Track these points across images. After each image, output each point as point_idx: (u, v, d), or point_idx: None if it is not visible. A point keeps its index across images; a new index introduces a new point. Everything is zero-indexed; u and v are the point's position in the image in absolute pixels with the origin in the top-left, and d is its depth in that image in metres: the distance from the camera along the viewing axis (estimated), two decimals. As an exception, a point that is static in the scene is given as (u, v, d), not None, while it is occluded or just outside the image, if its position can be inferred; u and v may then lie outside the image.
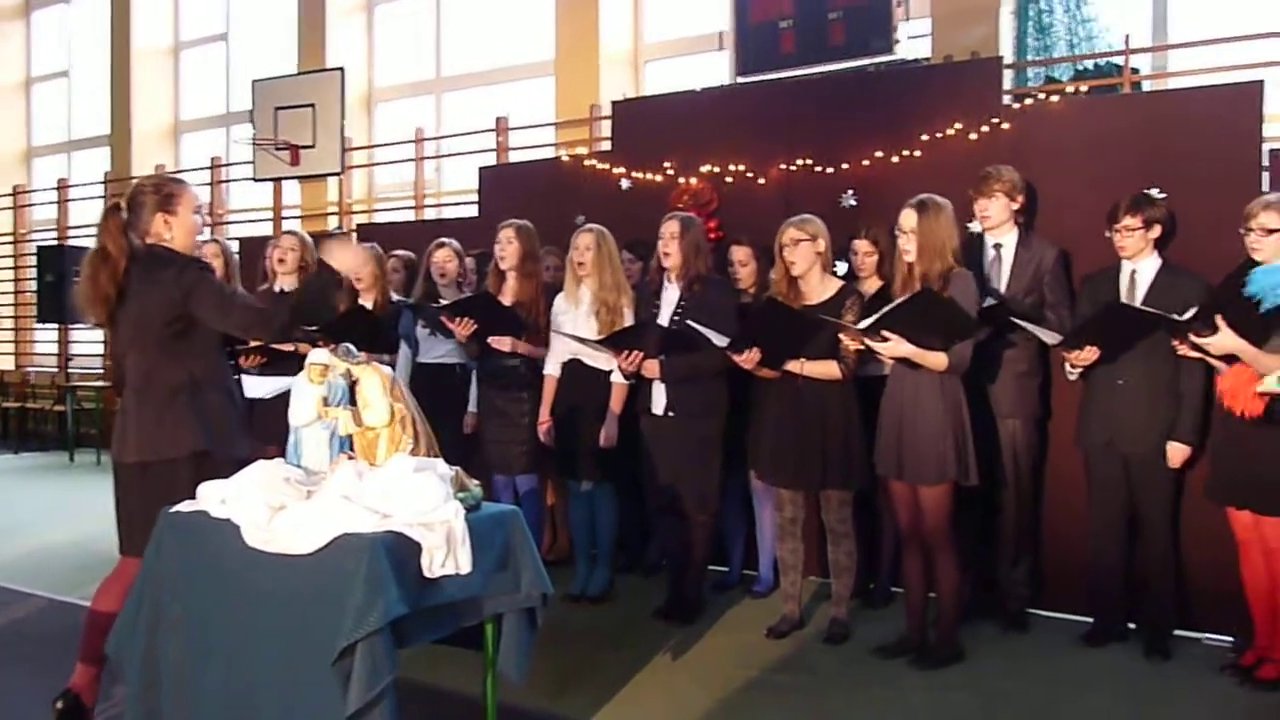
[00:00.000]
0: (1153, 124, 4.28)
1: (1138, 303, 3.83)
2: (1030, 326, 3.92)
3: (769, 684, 3.69)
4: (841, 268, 4.50)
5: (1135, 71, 5.39)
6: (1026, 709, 3.45)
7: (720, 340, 3.95)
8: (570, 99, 7.64)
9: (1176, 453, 3.84)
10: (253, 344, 4.41)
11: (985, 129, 4.57)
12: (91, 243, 3.23)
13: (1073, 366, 3.91)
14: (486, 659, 2.80)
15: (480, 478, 4.61)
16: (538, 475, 4.78)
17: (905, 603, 3.99)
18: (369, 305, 4.98)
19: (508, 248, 4.59)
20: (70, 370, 10.48)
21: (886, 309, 3.59)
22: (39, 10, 12.09)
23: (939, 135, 4.67)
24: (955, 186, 4.16)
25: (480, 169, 6.32)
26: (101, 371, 9.93)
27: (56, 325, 10.42)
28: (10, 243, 11.32)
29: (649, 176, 5.43)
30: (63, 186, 10.96)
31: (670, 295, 4.31)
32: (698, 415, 4.22)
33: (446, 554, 2.51)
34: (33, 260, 10.35)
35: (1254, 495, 3.55)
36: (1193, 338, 3.49)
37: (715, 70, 7.01)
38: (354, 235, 6.96)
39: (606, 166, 5.60)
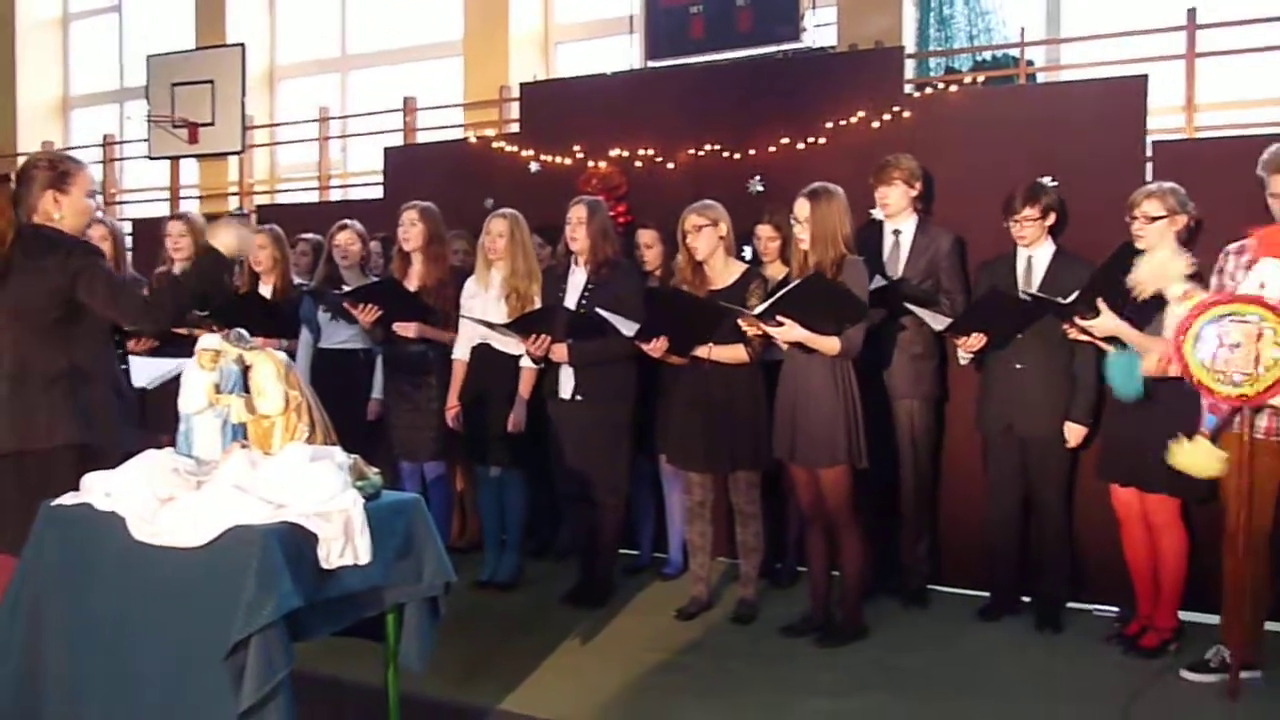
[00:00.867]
0: (1046, 115, 4.41)
1: (1035, 289, 3.94)
2: (919, 311, 4.01)
3: (677, 665, 3.73)
4: (747, 253, 4.55)
5: (1030, 64, 5.53)
6: (927, 681, 3.55)
7: (628, 329, 3.95)
8: (479, 80, 7.53)
9: (1074, 433, 3.98)
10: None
11: (887, 117, 4.65)
12: None
13: (964, 351, 4.02)
14: (388, 650, 2.76)
15: (386, 465, 4.59)
16: (445, 462, 4.72)
17: (809, 582, 4.06)
18: (269, 289, 4.86)
19: (411, 230, 4.52)
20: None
21: (778, 294, 3.65)
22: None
23: (843, 122, 4.73)
24: (858, 173, 4.25)
25: (386, 149, 6.20)
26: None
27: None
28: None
29: (558, 160, 5.40)
30: (-59, 162, 10.43)
31: (577, 279, 4.30)
32: (606, 399, 4.23)
33: (344, 544, 2.46)
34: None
35: (1140, 473, 3.70)
36: (1077, 320, 3.61)
37: (625, 54, 6.98)
38: (254, 217, 6.77)
39: (515, 149, 5.55)
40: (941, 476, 4.45)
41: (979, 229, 4.27)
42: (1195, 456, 3.24)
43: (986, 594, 4.28)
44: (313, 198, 7.84)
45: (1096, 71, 5.16)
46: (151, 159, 8.07)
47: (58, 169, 3.09)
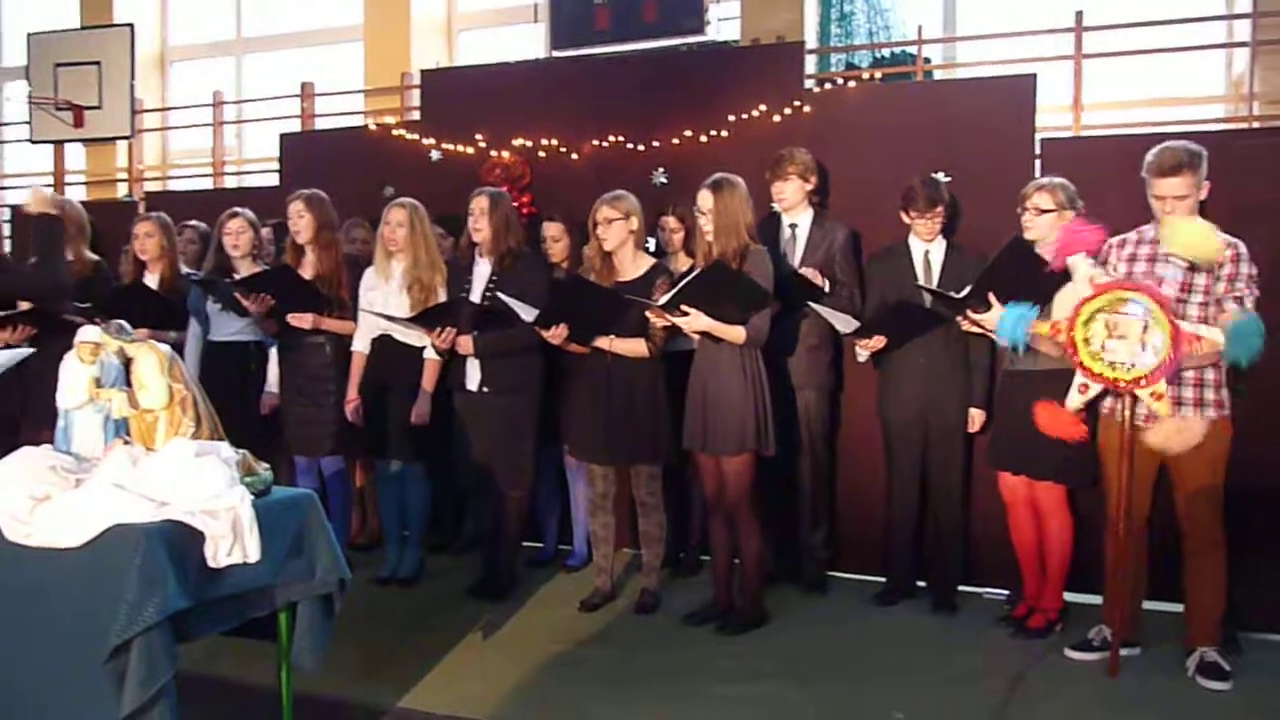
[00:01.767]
0: (940, 111, 4.52)
1: (934, 281, 4.04)
2: (827, 314, 4.06)
3: (580, 657, 3.72)
4: (651, 244, 4.56)
5: (928, 61, 5.67)
6: (825, 666, 3.61)
7: (528, 314, 3.93)
8: (380, 66, 7.39)
9: (976, 418, 4.12)
10: (19, 311, 4.09)
11: (788, 111, 4.71)
12: None
13: (861, 350, 4.10)
14: (280, 649, 2.70)
15: (282, 461, 4.48)
16: (344, 456, 4.63)
17: (712, 570, 4.10)
18: (155, 279, 4.69)
19: (300, 221, 4.40)
20: None
21: (683, 283, 3.67)
22: None
23: (745, 116, 4.78)
24: (760, 166, 4.30)
25: (282, 136, 6.04)
26: None
27: None
28: None
29: (460, 149, 5.33)
30: None
31: (482, 271, 4.25)
32: (511, 391, 4.19)
33: (232, 542, 2.39)
34: None
35: (1028, 461, 3.82)
36: (970, 314, 3.71)
37: (530, 43, 6.94)
38: (143, 204, 6.52)
39: (416, 137, 5.46)
40: (838, 465, 4.53)
41: (876, 222, 4.35)
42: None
43: (883, 579, 4.38)
44: (206, 185, 7.60)
45: (989, 70, 5.32)
46: (33, 142, 7.70)
47: None
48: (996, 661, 3.64)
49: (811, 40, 5.99)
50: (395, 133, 5.54)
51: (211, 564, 2.38)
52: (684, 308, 3.66)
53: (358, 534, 5.12)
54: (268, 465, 2.65)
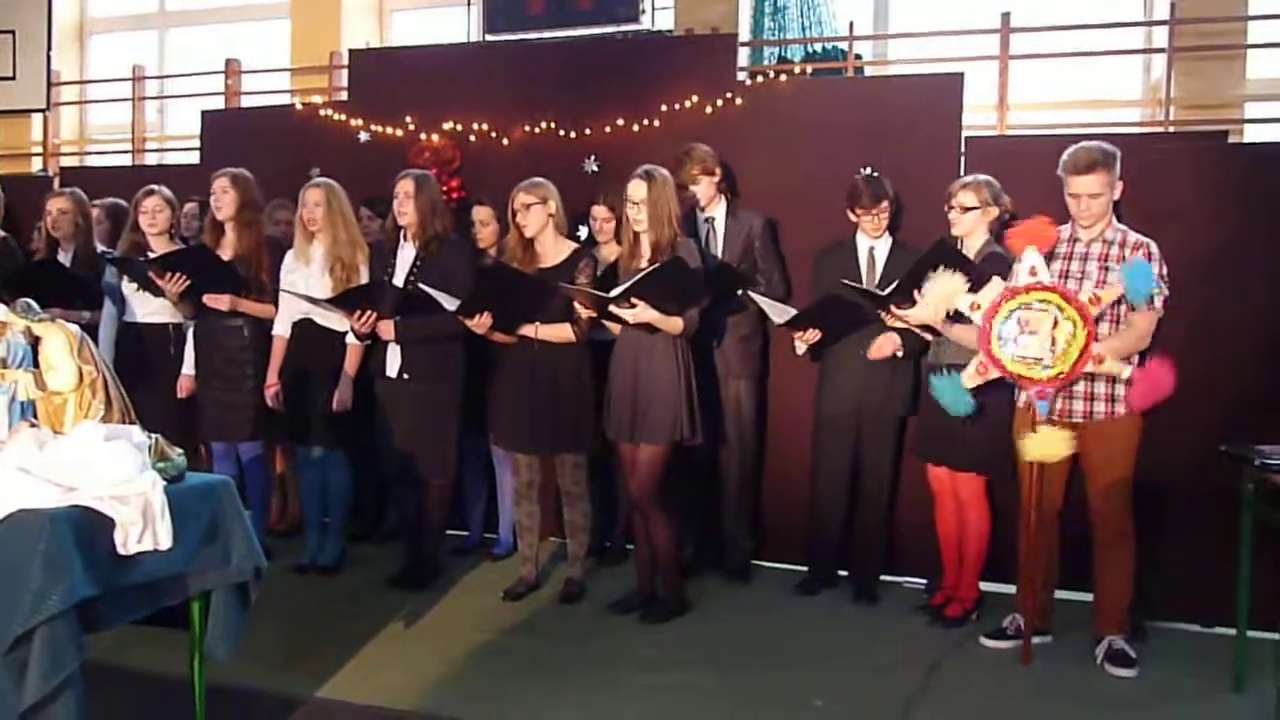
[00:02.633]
0: (870, 107, 4.57)
1: (877, 278, 4.09)
2: (762, 302, 4.10)
3: (503, 646, 3.71)
4: (583, 232, 4.55)
5: (859, 58, 5.73)
6: (746, 654, 3.64)
7: (451, 304, 3.89)
8: (307, 44, 7.23)
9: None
10: None
11: (720, 103, 4.72)
12: None
13: (800, 342, 4.13)
14: (192, 638, 2.63)
15: (193, 445, 4.37)
16: (263, 442, 4.53)
17: (635, 560, 4.11)
18: (68, 257, 4.54)
19: (223, 198, 4.29)
20: None
21: (639, 276, 3.66)
22: None
23: (677, 106, 4.77)
24: (691, 156, 4.28)
25: (204, 113, 5.87)
26: None
27: None
28: None
29: (389, 130, 5.24)
30: None
31: (406, 255, 4.19)
32: (433, 378, 4.14)
33: (143, 529, 2.32)
34: None
35: (950, 453, 3.90)
36: (894, 309, 3.77)
37: (462, 26, 6.85)
38: (58, 180, 6.30)
39: (344, 118, 5.35)
40: (765, 455, 4.57)
41: (805, 215, 4.39)
42: (1046, 445, 3.42)
43: (806, 569, 4.43)
44: (126, 161, 7.37)
45: (918, 68, 5.39)
46: (-60, 113, 7.41)
47: None
48: (914, 650, 3.71)
49: (745, 33, 6.01)
50: (322, 113, 5.43)
51: (121, 551, 2.30)
52: (633, 300, 3.65)
53: (278, 521, 5.02)
54: (181, 451, 2.58)
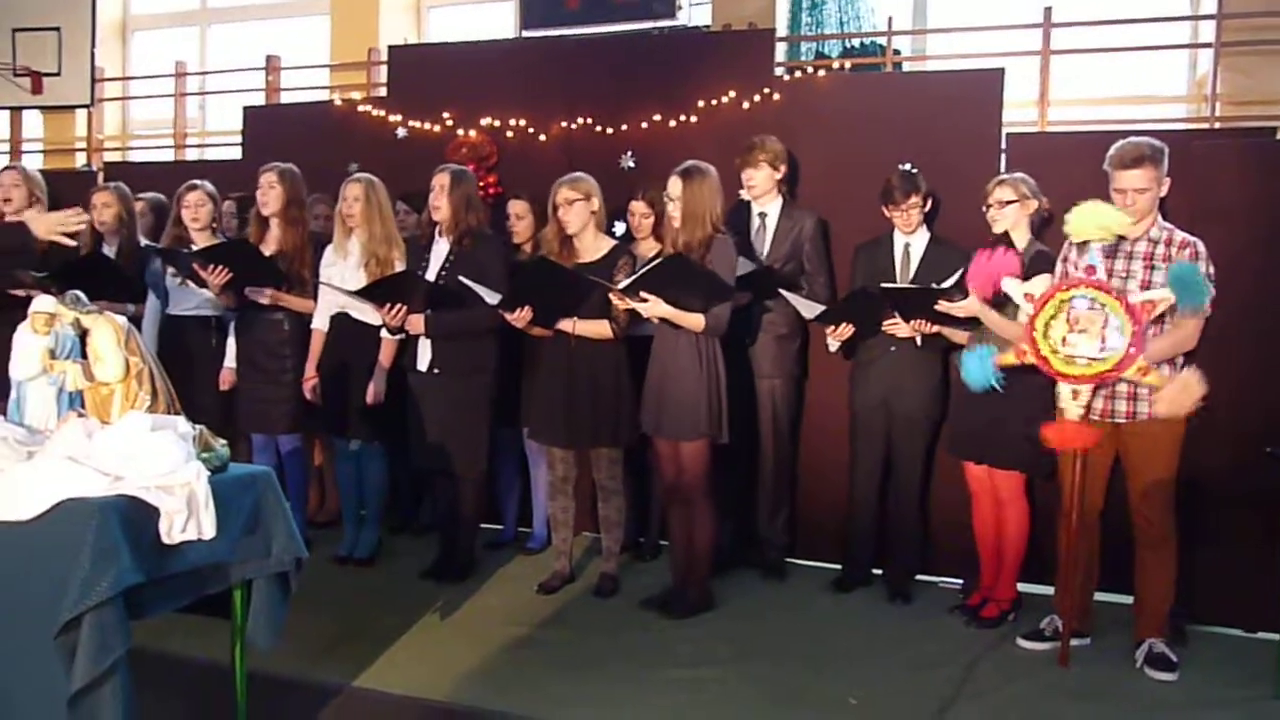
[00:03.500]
0: (909, 103, 4.54)
1: (912, 273, 4.07)
2: (792, 299, 4.09)
3: (537, 639, 3.72)
4: (620, 228, 4.55)
5: (897, 53, 5.68)
6: (780, 652, 3.63)
7: (492, 298, 3.90)
8: (346, 41, 7.27)
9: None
10: None
11: (757, 98, 4.71)
12: None
13: (831, 339, 4.12)
14: (234, 626, 2.67)
15: (238, 437, 4.43)
16: (302, 434, 4.58)
17: (670, 556, 4.11)
18: (113, 250, 4.61)
19: (270, 193, 4.34)
20: None
21: (640, 271, 3.67)
22: None
23: (714, 102, 4.77)
24: (728, 153, 4.29)
25: (245, 109, 5.94)
26: None
27: None
28: None
29: (426, 126, 5.28)
30: None
31: (440, 249, 4.21)
32: (464, 373, 4.15)
33: (188, 518, 2.36)
34: None
35: (989, 450, 3.86)
36: (943, 302, 3.73)
37: (500, 22, 6.88)
38: (101, 175, 6.40)
39: (382, 113, 5.40)
40: (800, 453, 4.56)
41: (844, 212, 4.37)
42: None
43: (840, 567, 4.41)
44: (167, 156, 7.47)
45: (957, 63, 5.34)
46: (-11, 108, 7.54)
47: None
48: (950, 649, 3.68)
49: (782, 28, 5.98)
50: (361, 109, 5.48)
51: (166, 540, 2.34)
52: (643, 294, 3.65)
53: (316, 512, 5.08)
54: (225, 441, 2.62)
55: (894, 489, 4.29)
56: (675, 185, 3.75)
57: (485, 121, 5.15)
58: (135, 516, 2.29)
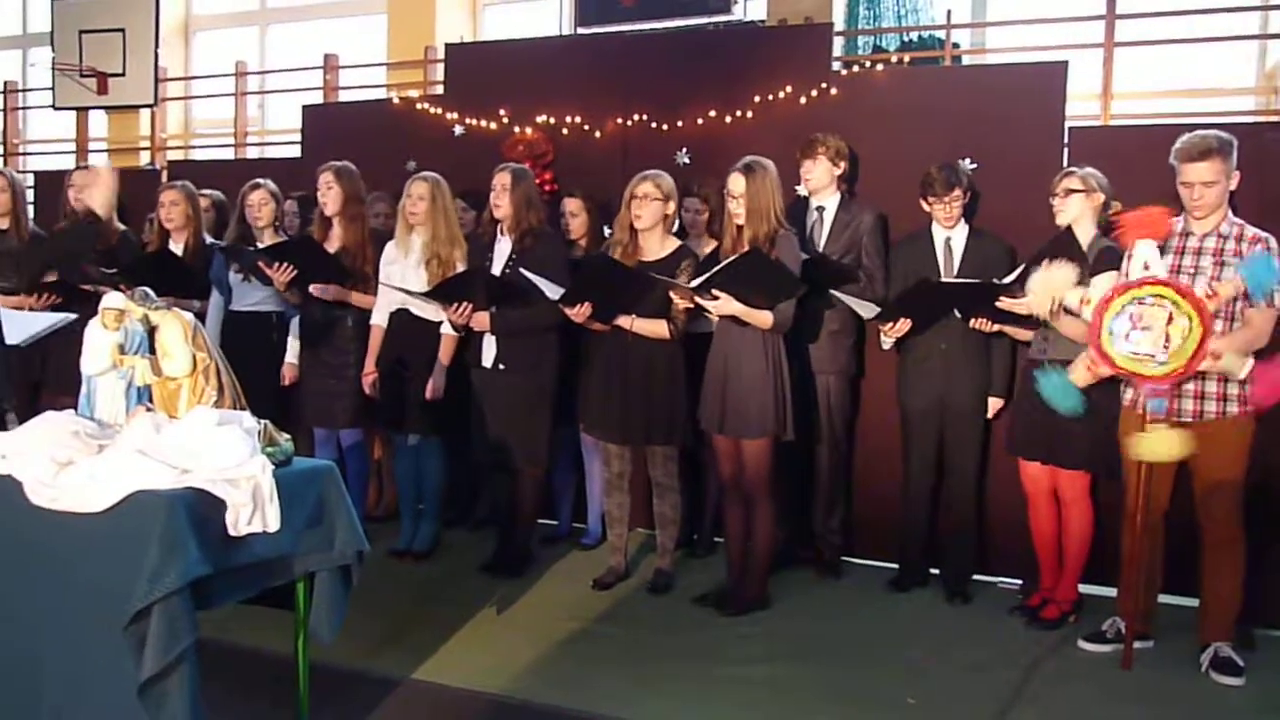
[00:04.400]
0: (968, 97, 4.47)
1: (955, 267, 4.03)
2: (848, 300, 4.04)
3: (592, 634, 3.74)
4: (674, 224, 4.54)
5: (956, 46, 5.60)
6: (835, 651, 3.61)
7: (553, 292, 3.92)
8: (403, 39, 7.35)
9: (994, 405, 4.12)
10: (45, 281, 4.11)
11: (814, 93, 4.67)
12: None
13: (887, 336, 4.08)
14: (298, 619, 2.71)
15: (300, 432, 4.50)
16: (362, 429, 4.64)
17: (725, 553, 4.10)
18: (179, 248, 4.70)
19: (329, 192, 4.41)
20: None
21: (717, 268, 3.65)
22: None
23: (771, 98, 4.74)
24: (784, 148, 4.26)
25: (305, 108, 6.03)
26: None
27: None
28: None
29: (483, 124, 5.31)
30: None
31: (503, 248, 4.24)
32: (527, 368, 4.19)
33: (253, 511, 2.40)
34: None
35: (1052, 449, 3.80)
36: (1004, 298, 3.68)
37: (554, 19, 6.90)
38: (165, 173, 6.53)
39: (439, 111, 5.45)
40: (856, 451, 4.52)
41: (901, 207, 4.31)
42: (1158, 445, 3.29)
43: (897, 566, 4.37)
44: (228, 155, 7.61)
45: (1018, 56, 5.25)
46: (56, 109, 7.72)
47: None
48: (1009, 651, 3.63)
49: (839, 22, 5.93)
50: (418, 106, 5.53)
51: (232, 532, 2.39)
52: (715, 291, 3.64)
53: (374, 507, 5.14)
54: (289, 436, 2.66)
55: (949, 488, 4.24)
56: (738, 182, 3.73)
57: (541, 119, 5.17)
58: (202, 509, 2.34)
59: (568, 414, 4.41)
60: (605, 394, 4.09)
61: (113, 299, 2.65)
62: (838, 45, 5.42)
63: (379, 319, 4.43)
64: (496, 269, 4.19)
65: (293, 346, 4.63)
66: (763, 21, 5.63)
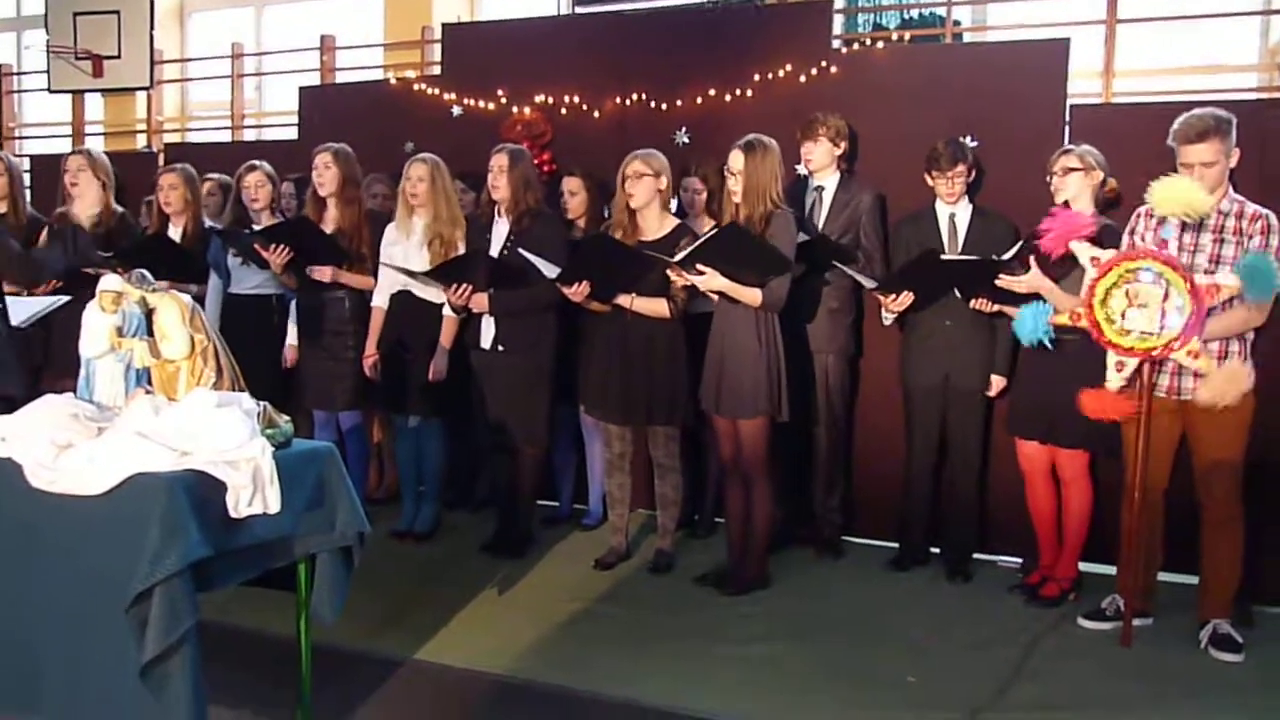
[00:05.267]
0: (970, 75, 4.45)
1: (959, 245, 4.02)
2: (850, 271, 4.05)
3: (593, 614, 3.75)
4: (673, 204, 4.52)
5: (957, 23, 5.56)
6: (835, 629, 3.63)
7: (551, 271, 3.91)
8: (400, 19, 7.30)
9: (996, 384, 4.11)
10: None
11: (814, 72, 4.64)
12: None
13: (888, 311, 4.07)
14: (299, 600, 2.72)
15: (300, 414, 4.50)
16: (362, 411, 4.64)
17: (726, 533, 4.11)
18: (178, 232, 4.69)
19: (325, 173, 4.39)
20: None
21: (698, 241, 3.65)
22: None
23: (770, 76, 4.72)
24: (784, 127, 4.23)
25: (301, 89, 6.00)
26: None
27: None
28: None
29: (481, 104, 5.29)
30: None
31: (501, 229, 4.23)
32: (527, 349, 4.18)
33: (253, 493, 2.40)
34: None
35: (1052, 428, 3.80)
36: (1004, 276, 3.67)
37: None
38: (162, 156, 6.50)
39: (436, 92, 5.42)
40: (855, 430, 4.52)
41: (901, 186, 4.30)
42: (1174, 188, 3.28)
43: (897, 545, 4.38)
44: (225, 137, 7.57)
45: (1020, 34, 5.22)
46: (51, 92, 7.68)
47: None
48: (1009, 628, 3.65)
49: (839, 0, 5.89)
50: (416, 87, 5.50)
51: (233, 514, 2.39)
52: (700, 266, 3.64)
53: (375, 489, 5.15)
54: (288, 418, 2.66)
55: (951, 466, 4.24)
56: (737, 159, 3.72)
57: (539, 98, 5.14)
58: (202, 491, 2.34)
59: (566, 393, 4.41)
60: (606, 374, 4.08)
61: (110, 282, 2.64)
62: (838, 23, 5.38)
63: (380, 301, 4.42)
64: (495, 250, 4.18)
65: (292, 329, 4.62)
66: (762, 0, 5.59)
